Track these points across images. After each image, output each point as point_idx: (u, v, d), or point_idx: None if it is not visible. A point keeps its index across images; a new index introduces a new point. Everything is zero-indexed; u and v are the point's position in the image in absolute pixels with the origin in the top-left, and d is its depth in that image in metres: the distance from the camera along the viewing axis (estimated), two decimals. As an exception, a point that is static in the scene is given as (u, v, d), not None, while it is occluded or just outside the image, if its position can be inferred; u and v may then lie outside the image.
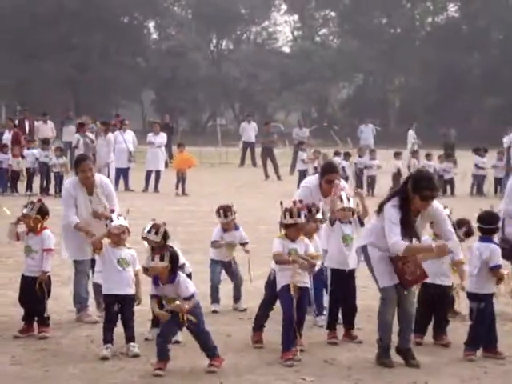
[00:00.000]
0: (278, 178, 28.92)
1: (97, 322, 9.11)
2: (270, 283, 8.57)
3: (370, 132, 35.28)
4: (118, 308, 8.07)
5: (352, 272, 8.91)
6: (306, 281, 8.06)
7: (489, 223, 8.29)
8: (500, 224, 9.15)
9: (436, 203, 7.87)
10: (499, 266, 8.11)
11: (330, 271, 8.85)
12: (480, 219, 8.36)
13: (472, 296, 8.18)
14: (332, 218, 8.88)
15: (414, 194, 7.67)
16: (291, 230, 8.00)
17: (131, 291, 8.13)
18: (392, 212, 7.67)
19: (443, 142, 34.05)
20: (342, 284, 8.85)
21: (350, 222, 9.00)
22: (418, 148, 31.46)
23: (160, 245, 7.78)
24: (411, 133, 34.48)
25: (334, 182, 9.00)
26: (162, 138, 25.35)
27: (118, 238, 8.13)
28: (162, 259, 7.38)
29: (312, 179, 9.55)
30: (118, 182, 23.62)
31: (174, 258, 7.45)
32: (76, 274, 9.58)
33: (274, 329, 8.45)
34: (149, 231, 8.03)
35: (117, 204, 9.32)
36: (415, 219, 7.79)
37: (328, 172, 9.24)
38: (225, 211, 9.93)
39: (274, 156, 29.94)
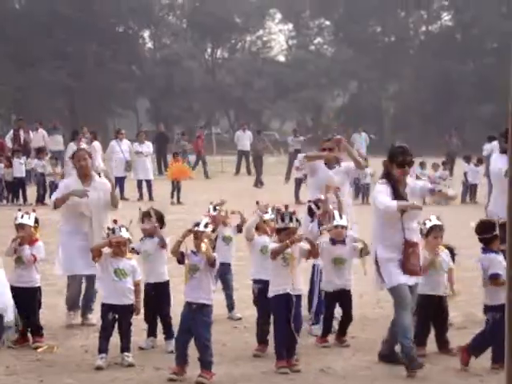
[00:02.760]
0: (256, 184, 28.65)
1: (71, 326, 9.40)
2: (257, 298, 8.62)
3: (362, 141, 35.17)
4: (112, 317, 8.06)
5: (345, 292, 8.86)
6: (300, 288, 8.02)
7: (484, 232, 8.16)
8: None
9: (412, 180, 8.18)
10: (497, 275, 7.90)
11: (324, 293, 8.88)
12: (476, 229, 8.22)
13: (488, 308, 8.02)
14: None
15: (391, 164, 7.98)
16: (283, 235, 7.92)
17: (128, 301, 8.11)
18: (379, 187, 7.97)
19: (446, 151, 33.69)
20: (336, 304, 8.88)
21: (344, 242, 8.87)
22: None
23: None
24: None
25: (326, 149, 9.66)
26: (148, 147, 25.52)
27: (119, 249, 8.14)
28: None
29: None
30: (114, 192, 23.60)
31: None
32: (68, 286, 9.79)
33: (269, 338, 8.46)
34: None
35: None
36: (405, 193, 7.96)
37: (323, 142, 9.97)
38: (214, 206, 10.04)
39: (262, 163, 29.85)
